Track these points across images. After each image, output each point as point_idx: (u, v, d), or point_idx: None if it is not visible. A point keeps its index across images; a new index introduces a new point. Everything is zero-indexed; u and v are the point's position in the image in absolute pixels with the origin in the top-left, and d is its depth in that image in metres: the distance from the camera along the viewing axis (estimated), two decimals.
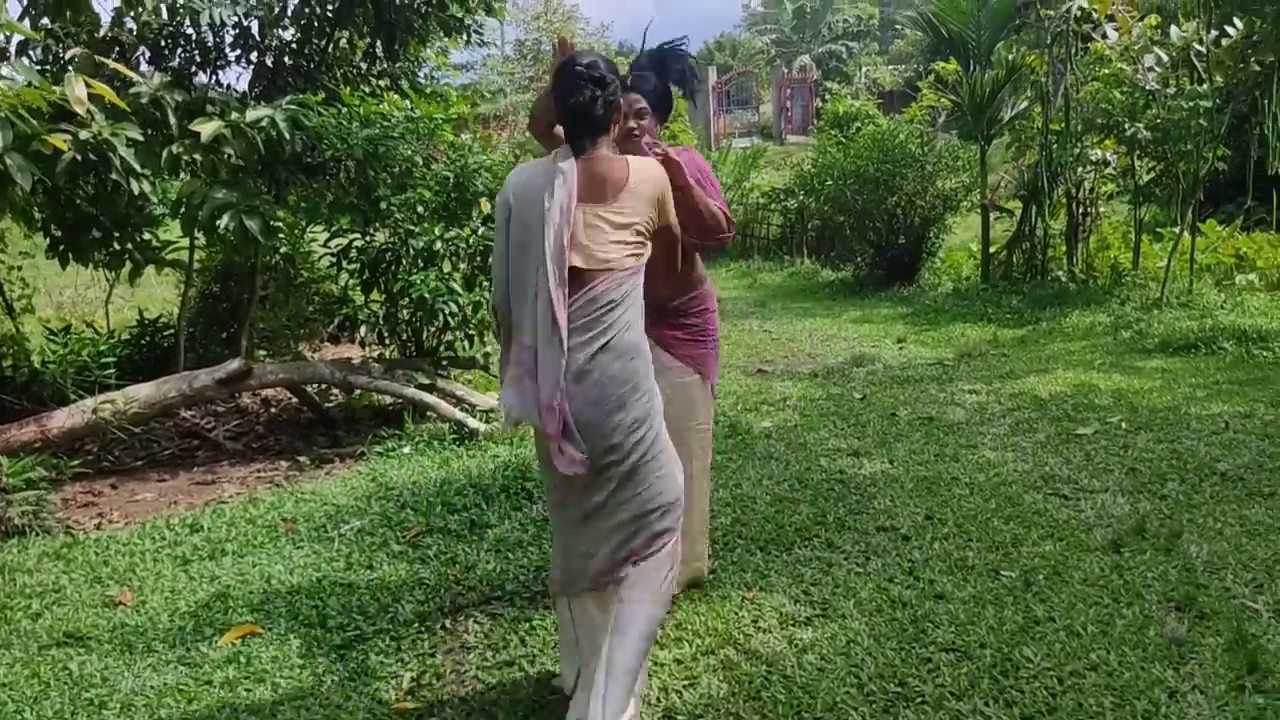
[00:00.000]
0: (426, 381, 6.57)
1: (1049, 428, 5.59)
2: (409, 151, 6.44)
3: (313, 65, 7.68)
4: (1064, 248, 10.39)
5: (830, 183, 11.37)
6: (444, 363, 6.99)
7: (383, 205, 6.35)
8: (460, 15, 8.42)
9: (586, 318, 2.57)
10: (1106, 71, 9.01)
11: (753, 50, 50.02)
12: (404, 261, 6.49)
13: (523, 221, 2.59)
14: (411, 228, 6.39)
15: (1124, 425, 5.51)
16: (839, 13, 48.38)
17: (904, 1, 46.63)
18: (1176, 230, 10.17)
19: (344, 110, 6.29)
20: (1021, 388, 6.55)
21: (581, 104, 2.61)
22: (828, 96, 16.60)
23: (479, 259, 6.64)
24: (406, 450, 5.88)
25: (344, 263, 6.69)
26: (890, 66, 40.97)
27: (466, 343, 6.97)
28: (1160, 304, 8.70)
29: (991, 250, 10.67)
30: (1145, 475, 4.71)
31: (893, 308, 10.40)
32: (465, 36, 8.57)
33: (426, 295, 6.21)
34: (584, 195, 2.58)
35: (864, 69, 40.17)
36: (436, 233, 6.36)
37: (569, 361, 2.54)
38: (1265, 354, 7.01)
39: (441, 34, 8.65)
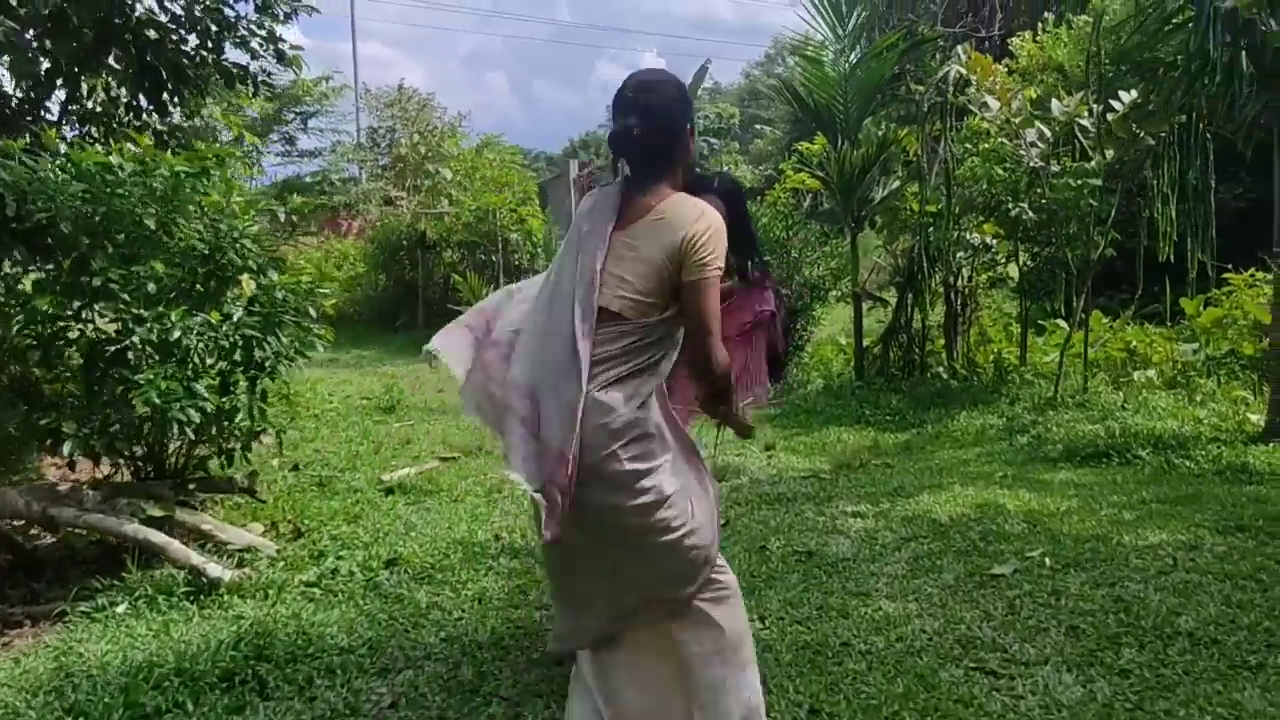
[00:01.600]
0: (159, 513, 5.06)
1: (957, 565, 4.47)
2: (141, 214, 5.03)
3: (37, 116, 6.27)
4: (942, 341, 9.54)
5: None
6: (191, 487, 5.50)
7: (97, 282, 4.90)
8: (244, 64, 7.16)
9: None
10: (986, 146, 8.26)
11: None
12: (130, 355, 5.02)
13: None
14: (140, 311, 4.94)
15: (1048, 562, 4.44)
16: (698, 110, 48.93)
17: (764, 104, 47.57)
18: (1059, 322, 9.48)
19: (53, 160, 4.87)
20: (915, 509, 5.45)
21: (617, 134, 2.54)
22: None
23: (237, 353, 5.23)
24: (121, 608, 4.37)
25: (50, 356, 5.17)
26: (750, 166, 41.28)
27: (225, 460, 5.52)
28: (1055, 404, 7.84)
29: (866, 344, 9.74)
30: (1091, 637, 3.61)
31: (762, 409, 9.31)
32: (252, 87, 7.28)
33: (156, 399, 4.75)
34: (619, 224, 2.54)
35: (725, 168, 40.38)
36: (174, 318, 4.92)
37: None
38: (1187, 464, 6.12)
39: (223, 84, 7.35)
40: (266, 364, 5.35)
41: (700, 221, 2.45)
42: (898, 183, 9.37)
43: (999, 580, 4.25)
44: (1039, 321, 10.03)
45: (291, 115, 42.85)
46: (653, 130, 2.50)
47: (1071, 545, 4.68)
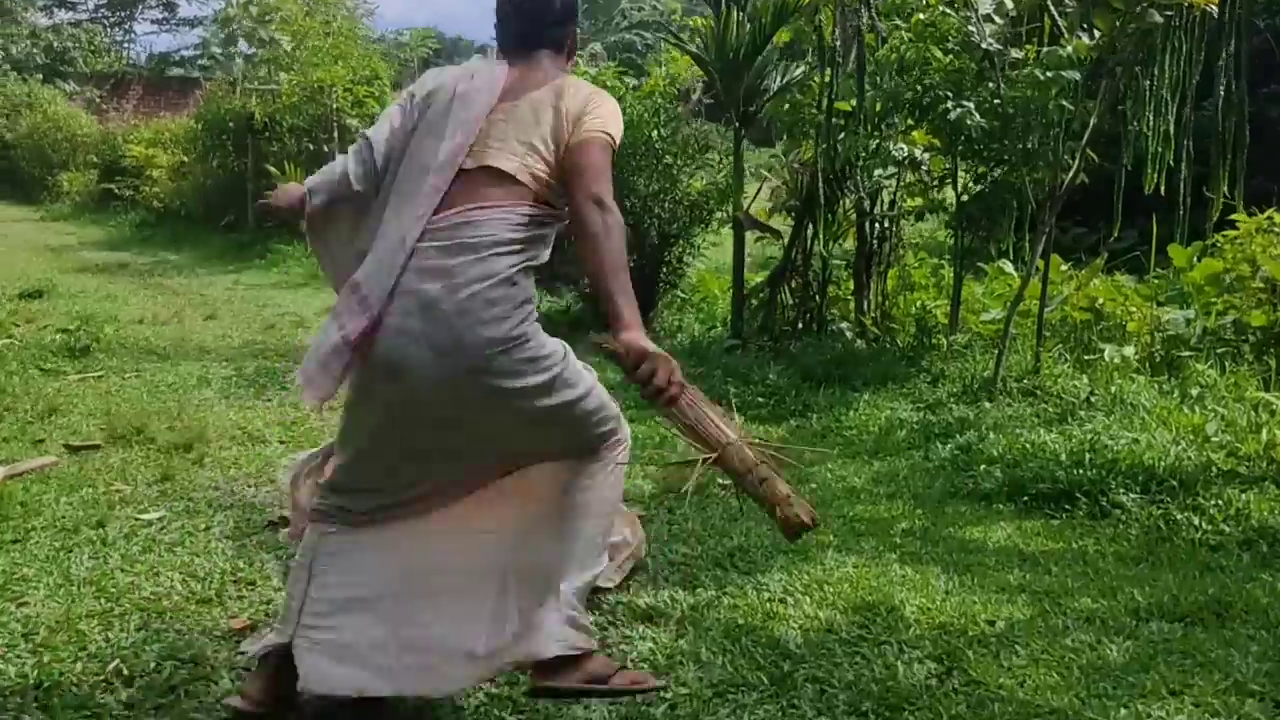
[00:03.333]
0: None
1: None
2: None
3: None
4: (850, 286, 7.22)
5: None
6: None
7: None
8: None
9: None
10: (922, 18, 5.85)
11: None
12: None
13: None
14: None
15: None
16: (634, 2, 45.95)
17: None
18: (1006, 267, 7.22)
19: None
20: (748, 611, 3.22)
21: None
22: None
23: None
24: None
25: None
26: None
27: None
28: (993, 390, 5.63)
29: (750, 287, 7.39)
30: None
31: (600, 369, 6.91)
32: None
33: None
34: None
35: (664, 66, 37.46)
36: None
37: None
38: (1196, 522, 3.93)
39: None
40: None
41: (599, 94, 2.47)
42: (802, 69, 6.95)
43: None
44: (979, 264, 7.76)
45: None
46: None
47: None
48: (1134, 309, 6.58)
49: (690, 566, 3.60)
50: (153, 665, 2.80)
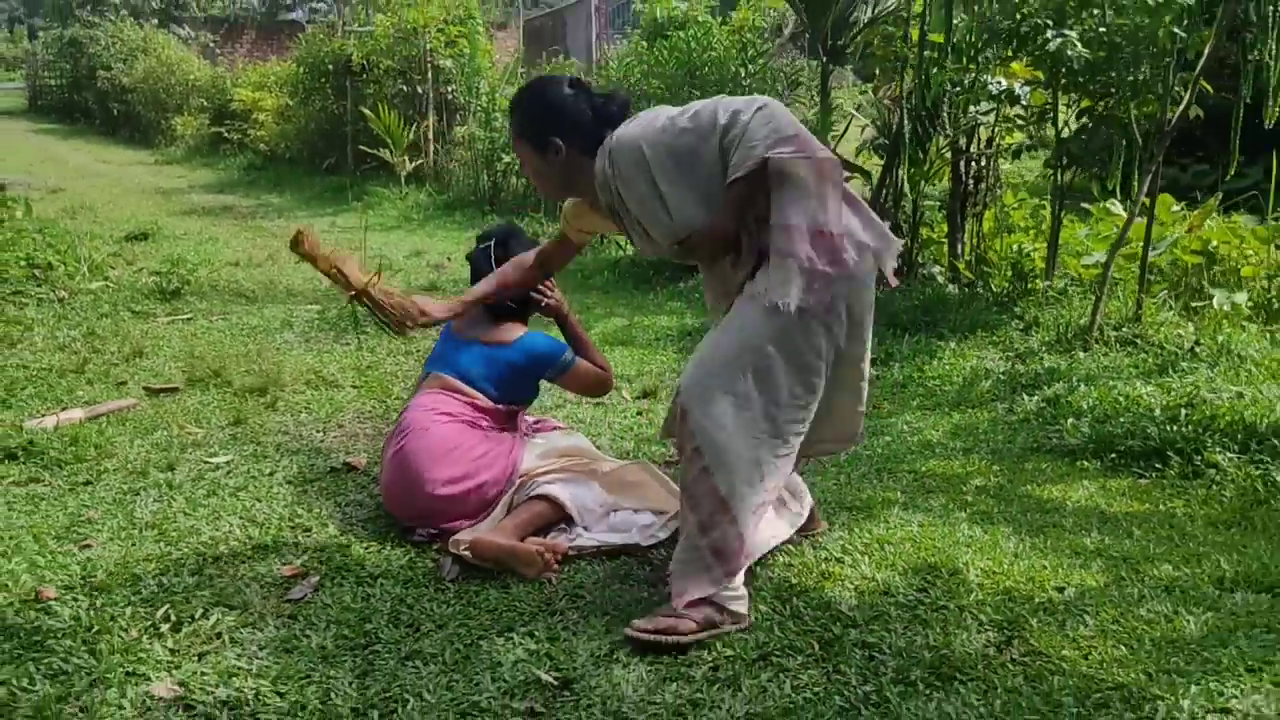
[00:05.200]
0: None
1: None
2: None
3: None
4: (944, 229, 6.92)
5: None
6: None
7: None
8: None
9: None
10: None
11: None
12: None
13: None
14: None
15: None
16: None
17: None
18: (1113, 207, 6.82)
19: None
20: (805, 569, 3.12)
21: None
22: None
23: None
24: None
25: None
26: None
27: None
28: (1089, 338, 5.34)
29: None
30: None
31: (679, 314, 6.86)
32: None
33: None
34: None
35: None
36: None
37: None
38: None
39: None
40: None
41: None
42: (894, 1, 6.61)
43: None
44: (1084, 205, 7.35)
45: None
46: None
47: (1074, 711, 2.34)
48: (1250, 252, 6.16)
49: None
50: (200, 612, 2.83)
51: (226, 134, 18.02)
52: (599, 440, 4.30)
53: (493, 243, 3.73)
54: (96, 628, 2.73)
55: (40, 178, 14.13)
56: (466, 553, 3.13)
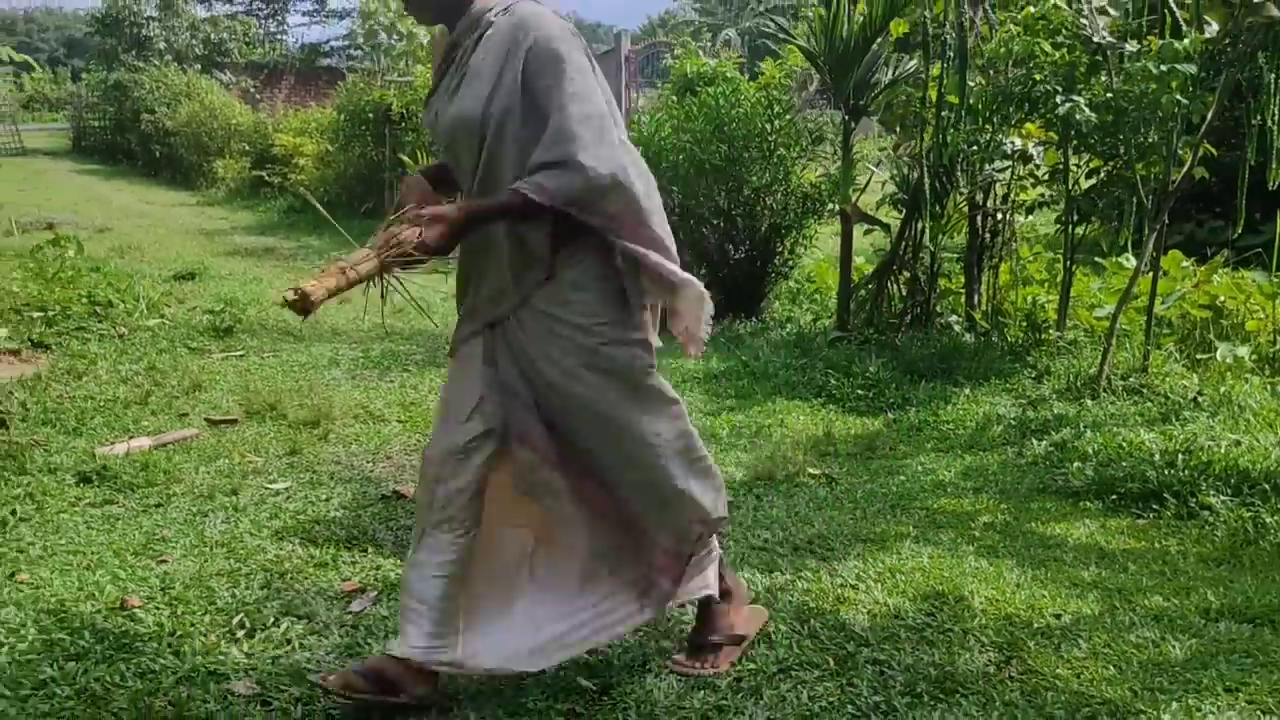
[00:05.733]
0: None
1: None
2: None
3: None
4: (962, 280, 7.21)
5: None
6: None
7: None
8: None
9: None
10: (1033, 11, 5.82)
11: (683, 23, 47.65)
12: None
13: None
14: None
15: None
16: None
17: None
18: (1125, 261, 7.09)
19: None
20: (819, 594, 3.37)
21: None
22: (677, 53, 13.23)
23: None
24: None
25: None
26: None
27: None
28: (1097, 387, 5.59)
29: (858, 280, 7.45)
30: None
31: (706, 358, 7.09)
32: None
33: None
34: None
35: (782, 58, 37.08)
36: None
37: None
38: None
39: None
40: None
41: None
42: (914, 63, 6.95)
43: None
44: (1096, 260, 7.63)
45: None
46: None
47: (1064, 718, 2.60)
48: (1256, 307, 6.41)
49: (770, 551, 3.76)
50: (272, 620, 3.12)
51: (267, 177, 18.55)
52: None
53: None
54: (179, 632, 3.02)
55: (86, 217, 14.63)
56: None
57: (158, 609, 3.17)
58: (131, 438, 4.80)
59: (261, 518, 3.94)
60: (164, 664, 2.84)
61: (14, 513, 3.89)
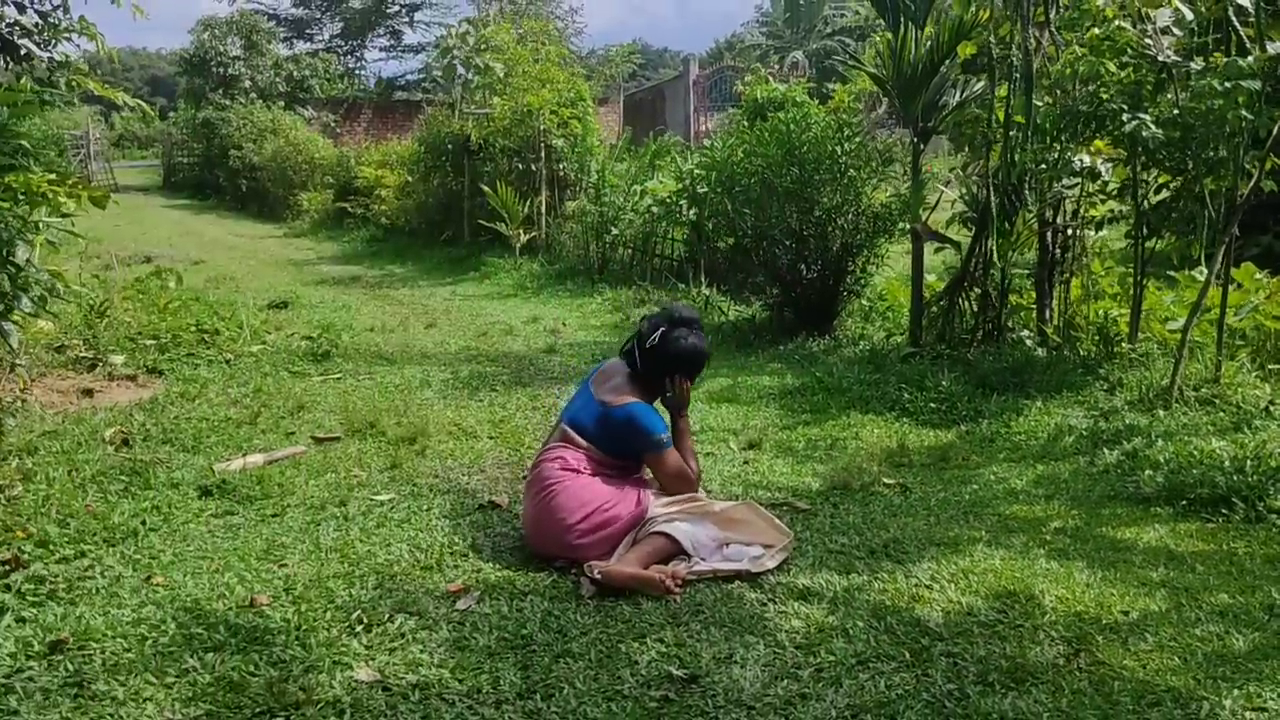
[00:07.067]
0: None
1: None
2: None
3: None
4: (1033, 296, 7.33)
5: (707, 190, 8.33)
6: None
7: None
8: None
9: None
10: (1098, 33, 5.96)
11: (750, 47, 47.91)
12: None
13: None
14: None
15: None
16: (842, 6, 45.67)
17: None
18: (1198, 275, 7.13)
19: None
20: (896, 594, 3.55)
21: None
22: (747, 79, 13.49)
23: None
24: None
25: None
26: None
27: None
28: (1170, 399, 5.67)
29: (929, 297, 7.60)
30: None
31: (780, 375, 7.34)
32: None
33: None
34: None
35: (851, 81, 37.06)
36: None
37: None
38: None
39: None
40: None
41: None
42: (982, 84, 7.10)
43: None
44: (1169, 273, 7.68)
45: (395, 6, 41.69)
46: None
47: (1131, 709, 2.75)
48: None
49: (847, 554, 3.95)
50: (386, 616, 3.39)
51: (350, 209, 19.17)
52: (710, 485, 4.81)
53: (659, 331, 4.13)
54: (304, 627, 3.31)
55: (181, 250, 15.31)
56: (599, 577, 3.65)
57: (283, 607, 3.47)
58: (245, 454, 5.15)
59: (369, 526, 4.24)
60: (292, 654, 3.13)
61: (144, 523, 4.22)
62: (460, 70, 15.53)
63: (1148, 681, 2.91)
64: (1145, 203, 6.57)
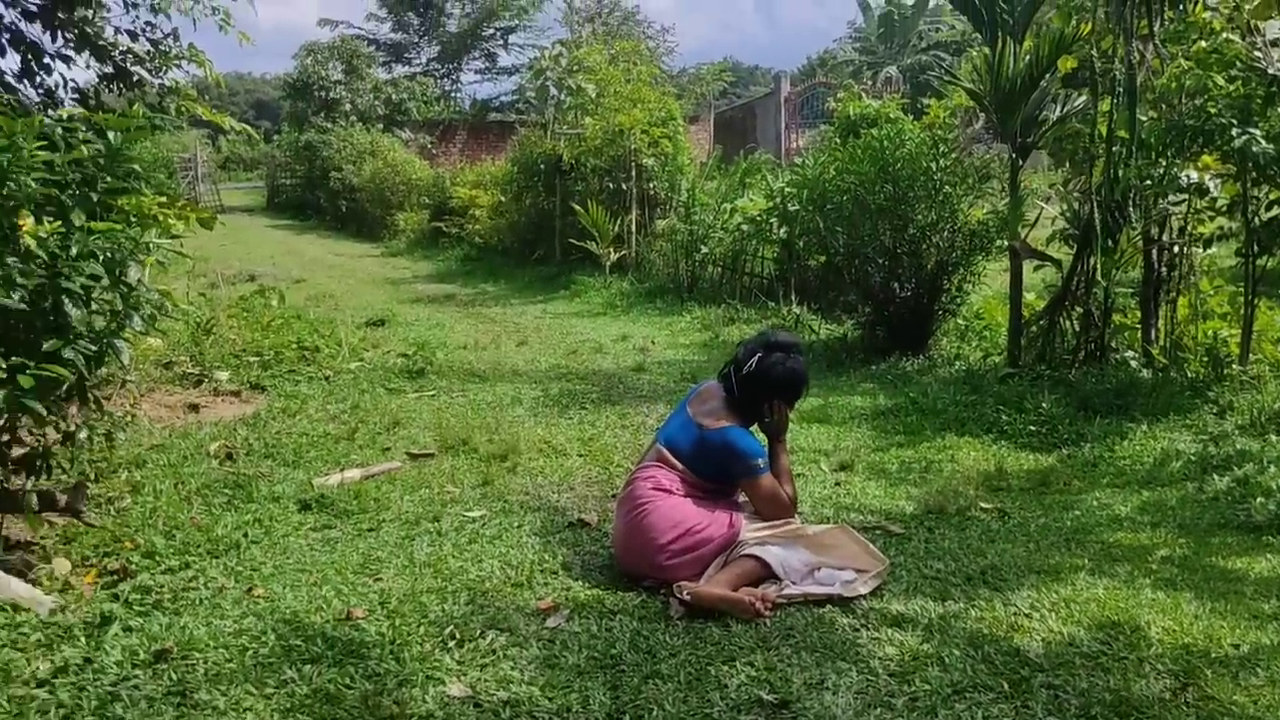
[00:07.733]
0: None
1: None
2: None
3: None
4: (1137, 315, 7.10)
5: (798, 208, 8.25)
6: None
7: None
8: None
9: None
10: (1205, 45, 5.79)
11: (843, 63, 47.61)
12: None
13: None
14: None
15: None
16: (937, 21, 45.11)
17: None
18: None
19: None
20: (993, 622, 3.46)
21: None
22: (839, 96, 13.39)
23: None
24: None
25: None
26: None
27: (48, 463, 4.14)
28: None
29: (1029, 316, 7.42)
30: None
31: (872, 395, 7.24)
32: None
33: None
34: None
35: (947, 97, 36.50)
36: None
37: None
38: None
39: None
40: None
41: None
42: (1083, 99, 6.93)
43: None
44: None
45: (490, 30, 42.39)
46: None
47: None
48: None
49: (943, 580, 3.87)
50: (478, 632, 3.42)
51: (445, 228, 19.52)
52: (801, 507, 4.75)
53: (755, 357, 4.13)
54: (398, 641, 3.36)
55: (283, 269, 15.75)
56: (688, 598, 3.63)
57: (378, 620, 3.53)
58: (343, 469, 5.26)
59: (462, 542, 4.29)
60: (387, 668, 3.18)
61: (245, 535, 4.33)
62: (553, 91, 15.73)
63: (1258, 718, 2.78)
64: (1256, 219, 6.34)
